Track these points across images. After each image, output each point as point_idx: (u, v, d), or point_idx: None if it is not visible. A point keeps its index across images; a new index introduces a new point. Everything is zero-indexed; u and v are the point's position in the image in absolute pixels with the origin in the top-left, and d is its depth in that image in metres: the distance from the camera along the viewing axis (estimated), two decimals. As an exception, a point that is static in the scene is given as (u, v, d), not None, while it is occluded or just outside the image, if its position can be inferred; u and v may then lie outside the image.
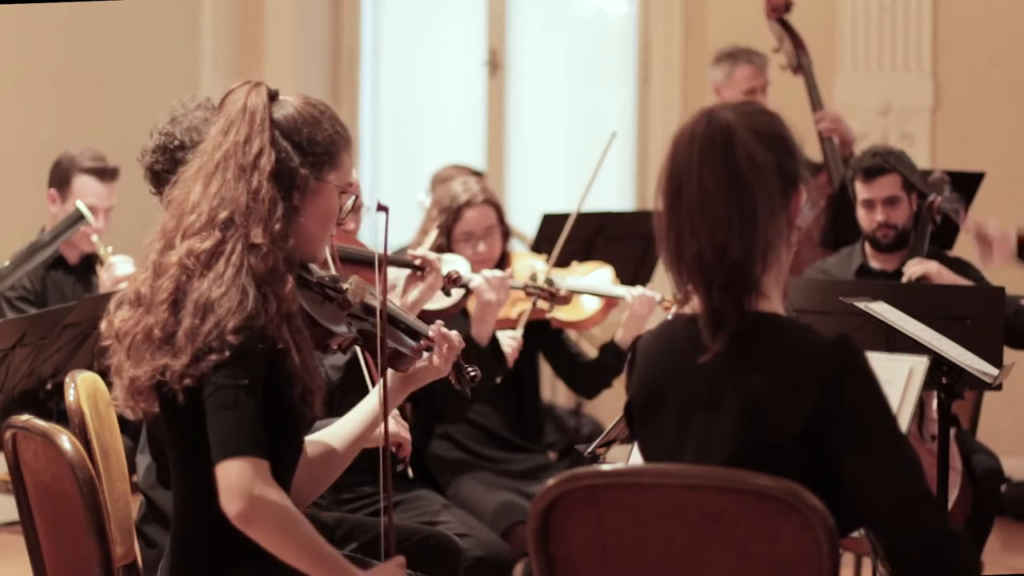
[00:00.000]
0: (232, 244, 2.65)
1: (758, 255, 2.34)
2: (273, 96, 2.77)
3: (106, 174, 5.05)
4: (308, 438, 2.91)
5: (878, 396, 2.32)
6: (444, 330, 2.96)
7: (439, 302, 4.01)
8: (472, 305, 4.18)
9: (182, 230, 2.70)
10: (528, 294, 4.37)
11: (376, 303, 2.83)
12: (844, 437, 2.29)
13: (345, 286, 2.83)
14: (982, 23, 6.65)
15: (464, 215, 4.46)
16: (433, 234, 4.35)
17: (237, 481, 2.54)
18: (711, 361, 2.35)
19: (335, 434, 2.95)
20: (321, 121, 2.77)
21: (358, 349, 3.28)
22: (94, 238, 4.96)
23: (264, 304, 2.63)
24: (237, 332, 2.58)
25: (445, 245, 4.41)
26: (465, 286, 4.04)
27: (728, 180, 2.34)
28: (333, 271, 2.99)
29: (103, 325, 2.77)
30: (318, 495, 2.98)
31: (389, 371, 2.92)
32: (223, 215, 2.67)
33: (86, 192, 4.99)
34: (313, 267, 2.82)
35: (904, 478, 2.30)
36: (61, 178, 5.05)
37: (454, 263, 4.11)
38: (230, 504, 2.54)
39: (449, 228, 4.42)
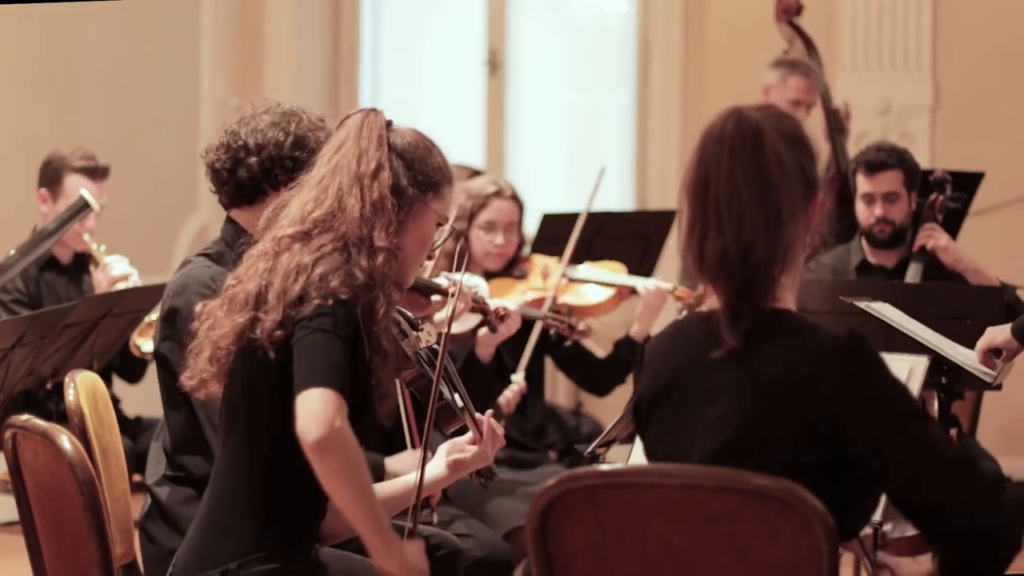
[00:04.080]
0: (321, 239, 2.72)
1: (779, 256, 2.36)
2: (389, 123, 2.85)
3: (97, 173, 5.03)
4: None
5: (892, 383, 2.34)
6: (493, 422, 2.99)
7: (460, 326, 4.04)
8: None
9: (276, 227, 2.79)
10: (547, 325, 4.38)
11: (437, 350, 2.90)
12: (863, 428, 2.30)
13: (422, 326, 2.90)
14: (982, 22, 6.64)
15: (491, 204, 4.51)
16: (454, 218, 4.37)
17: (321, 408, 2.55)
18: (726, 360, 2.36)
19: (379, 490, 2.94)
20: (432, 151, 2.88)
21: (401, 404, 3.36)
22: (86, 237, 4.95)
23: (373, 299, 2.69)
24: (344, 286, 2.65)
25: (466, 229, 4.45)
26: (484, 313, 4.07)
27: (757, 180, 2.36)
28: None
29: (198, 308, 2.83)
30: (347, 538, 2.97)
31: (440, 461, 2.97)
32: (316, 214, 2.75)
33: (77, 192, 4.97)
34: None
35: (932, 456, 2.30)
36: (52, 177, 5.04)
37: (477, 287, 4.15)
38: (310, 429, 2.54)
39: (472, 215, 4.46)
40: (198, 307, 2.84)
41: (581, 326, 4.37)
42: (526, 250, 4.87)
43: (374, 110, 2.86)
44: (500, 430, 3.00)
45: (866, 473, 2.35)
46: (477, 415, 2.98)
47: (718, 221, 2.35)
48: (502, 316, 3.85)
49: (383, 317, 2.70)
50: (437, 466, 2.96)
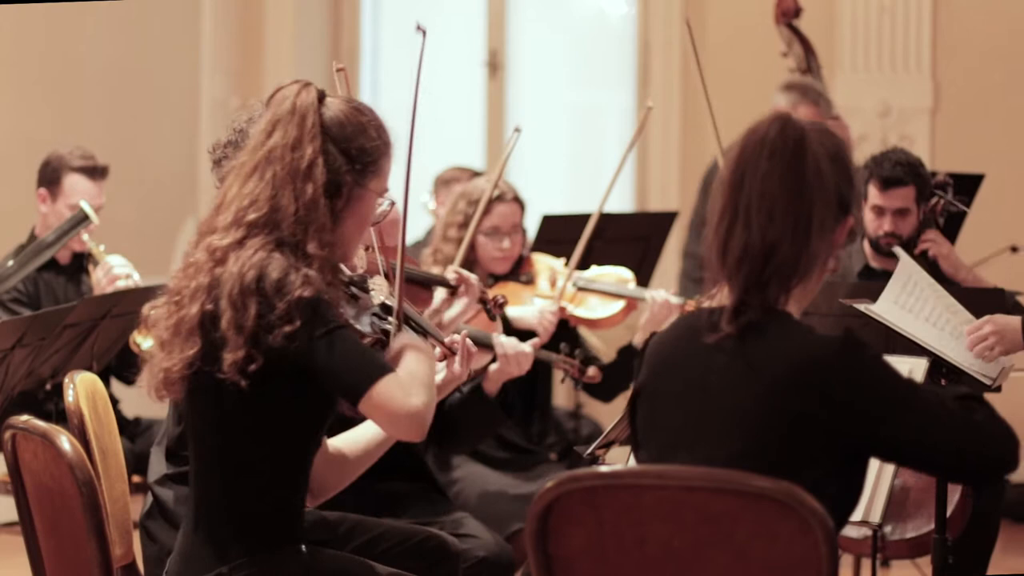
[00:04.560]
0: (255, 242, 2.66)
1: (800, 265, 2.40)
2: (321, 98, 2.76)
3: (96, 172, 5.03)
4: (336, 439, 2.95)
5: (886, 370, 2.37)
6: (468, 341, 2.99)
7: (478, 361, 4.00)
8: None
9: (210, 227, 2.72)
10: (559, 368, 4.36)
11: (394, 303, 2.86)
12: (866, 418, 2.34)
13: (371, 287, 2.86)
14: (981, 24, 6.65)
15: (494, 209, 4.48)
16: (471, 230, 4.35)
17: (392, 404, 2.59)
18: (721, 346, 2.39)
19: (358, 436, 2.98)
20: (368, 128, 2.78)
21: None
22: (85, 236, 4.95)
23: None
24: (305, 286, 2.60)
25: (472, 236, 4.43)
26: (484, 302, 4.02)
27: (793, 183, 2.39)
28: (395, 294, 3.00)
29: (145, 310, 2.79)
30: (340, 489, 3.00)
31: None
32: (251, 216, 2.68)
33: (76, 191, 4.97)
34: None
35: (939, 426, 2.37)
36: (51, 177, 5.03)
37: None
38: (400, 434, 2.64)
39: (477, 222, 4.43)
40: (145, 309, 2.78)
41: (591, 372, 4.36)
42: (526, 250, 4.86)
43: (306, 85, 2.77)
44: (473, 348, 2.98)
45: (864, 461, 2.40)
46: (447, 338, 2.97)
47: (747, 217, 2.39)
48: (501, 304, 3.82)
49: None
50: None
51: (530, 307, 4.44)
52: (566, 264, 4.62)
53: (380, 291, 2.91)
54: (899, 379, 2.38)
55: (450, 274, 3.72)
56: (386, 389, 2.59)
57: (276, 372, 2.64)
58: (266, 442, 2.72)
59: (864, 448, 2.38)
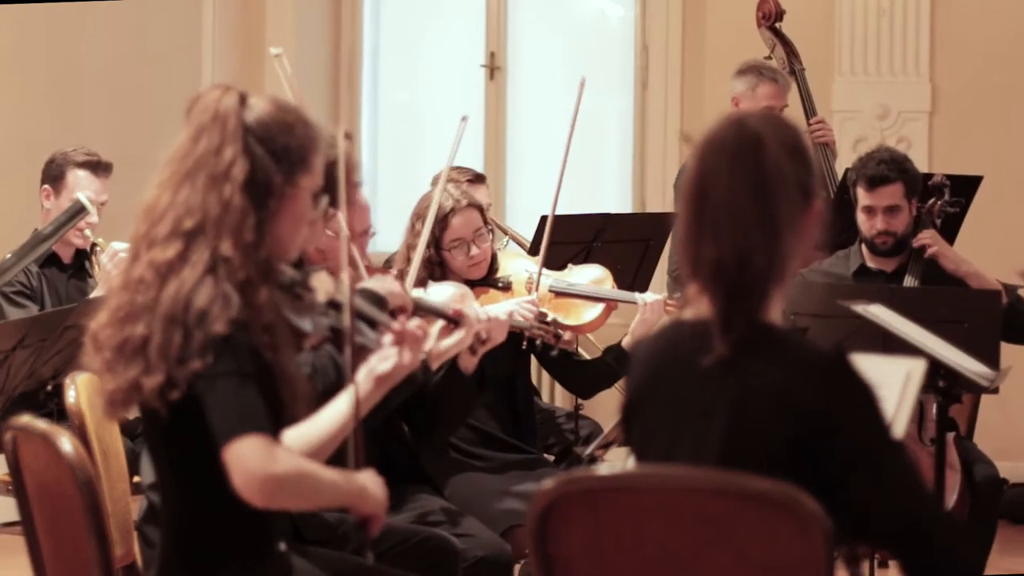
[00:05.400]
0: (198, 253, 2.62)
1: (775, 268, 2.36)
2: (243, 100, 2.72)
3: (100, 168, 5.04)
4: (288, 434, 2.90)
5: (873, 409, 2.33)
6: (407, 328, 2.91)
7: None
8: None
9: (148, 240, 2.68)
10: (532, 335, 4.33)
11: (342, 299, 2.80)
12: (840, 450, 2.30)
13: (314, 284, 2.82)
14: (980, 27, 6.66)
15: (451, 222, 4.42)
16: (419, 251, 4.30)
17: (251, 461, 2.50)
18: (711, 365, 2.35)
19: (309, 436, 2.84)
20: (294, 126, 2.72)
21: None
22: (88, 232, 4.97)
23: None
24: (221, 322, 2.55)
25: (435, 256, 4.37)
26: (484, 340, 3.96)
27: (755, 188, 2.34)
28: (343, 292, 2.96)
29: (92, 326, 2.73)
30: None
31: (366, 379, 2.88)
32: (188, 224, 2.64)
33: (80, 187, 4.98)
34: (283, 266, 2.77)
35: (903, 488, 2.30)
36: (55, 174, 5.04)
37: (464, 297, 4.04)
38: (251, 491, 2.52)
39: (437, 239, 4.37)
40: (93, 325, 2.73)
41: (566, 336, 4.34)
42: (516, 249, 4.81)
43: (226, 90, 2.73)
44: (419, 333, 2.91)
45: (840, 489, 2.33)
46: (393, 324, 2.91)
47: (715, 229, 2.34)
48: (484, 340, 3.77)
49: (262, 331, 2.61)
50: (364, 386, 2.85)
51: (498, 305, 4.34)
52: (538, 263, 4.55)
53: (324, 287, 2.83)
54: (881, 421, 2.33)
55: (449, 310, 3.66)
56: (245, 446, 2.52)
57: (196, 404, 2.58)
58: (216, 459, 2.62)
59: (834, 472, 2.29)
